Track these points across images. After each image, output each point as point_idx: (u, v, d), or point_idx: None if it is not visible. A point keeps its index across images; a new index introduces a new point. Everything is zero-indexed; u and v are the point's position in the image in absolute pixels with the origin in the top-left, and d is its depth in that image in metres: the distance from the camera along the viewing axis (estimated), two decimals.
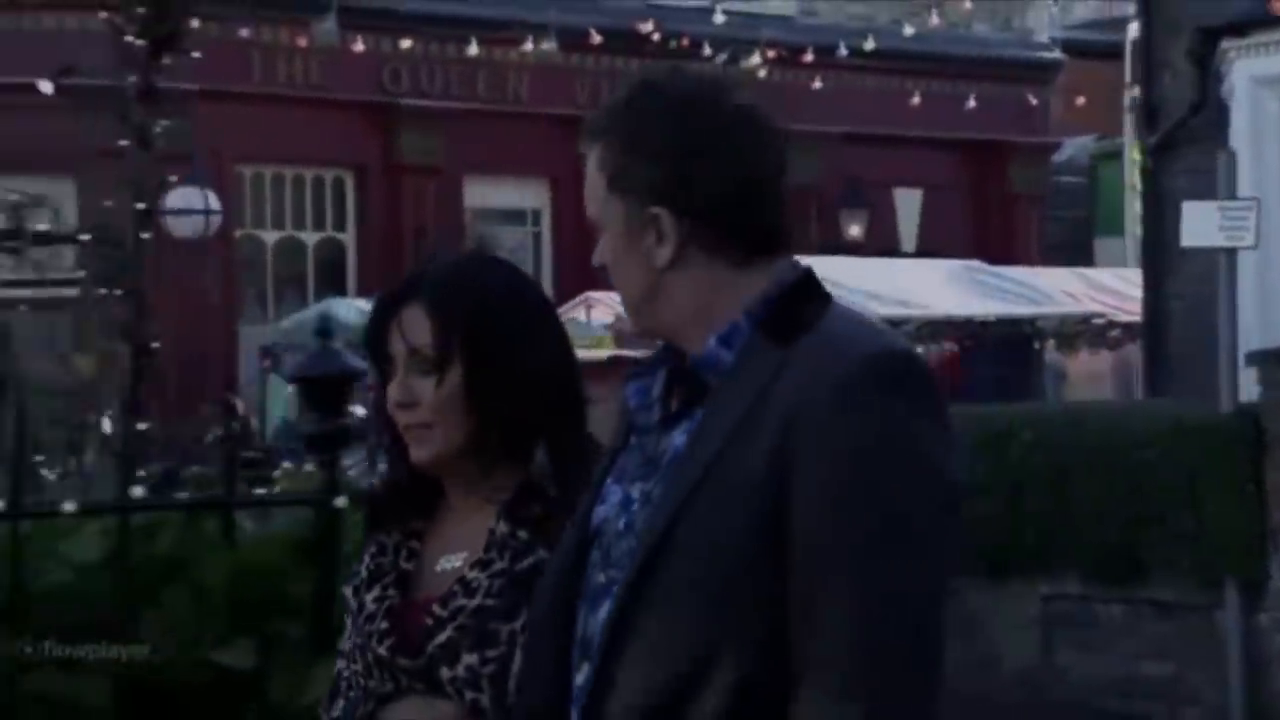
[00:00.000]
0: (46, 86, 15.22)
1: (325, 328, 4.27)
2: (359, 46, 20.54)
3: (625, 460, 2.53)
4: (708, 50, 21.76)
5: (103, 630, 3.67)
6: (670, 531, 2.40)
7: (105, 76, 8.99)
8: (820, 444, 2.36)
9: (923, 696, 2.34)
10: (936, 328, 17.72)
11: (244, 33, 21.16)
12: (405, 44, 21.74)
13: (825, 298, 2.50)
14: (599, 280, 18.78)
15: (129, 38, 7.13)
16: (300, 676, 3.74)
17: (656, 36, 21.12)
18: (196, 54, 7.85)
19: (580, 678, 2.46)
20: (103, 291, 7.70)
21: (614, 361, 16.86)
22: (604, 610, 2.44)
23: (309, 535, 3.97)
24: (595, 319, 20.81)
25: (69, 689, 3.62)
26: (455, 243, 22.78)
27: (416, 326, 2.77)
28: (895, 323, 16.92)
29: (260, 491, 4.79)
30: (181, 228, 21.72)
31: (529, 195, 25.36)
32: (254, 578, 3.87)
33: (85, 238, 7.43)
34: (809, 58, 22.85)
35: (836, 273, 17.70)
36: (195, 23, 17.48)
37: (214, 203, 21.64)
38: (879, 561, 2.33)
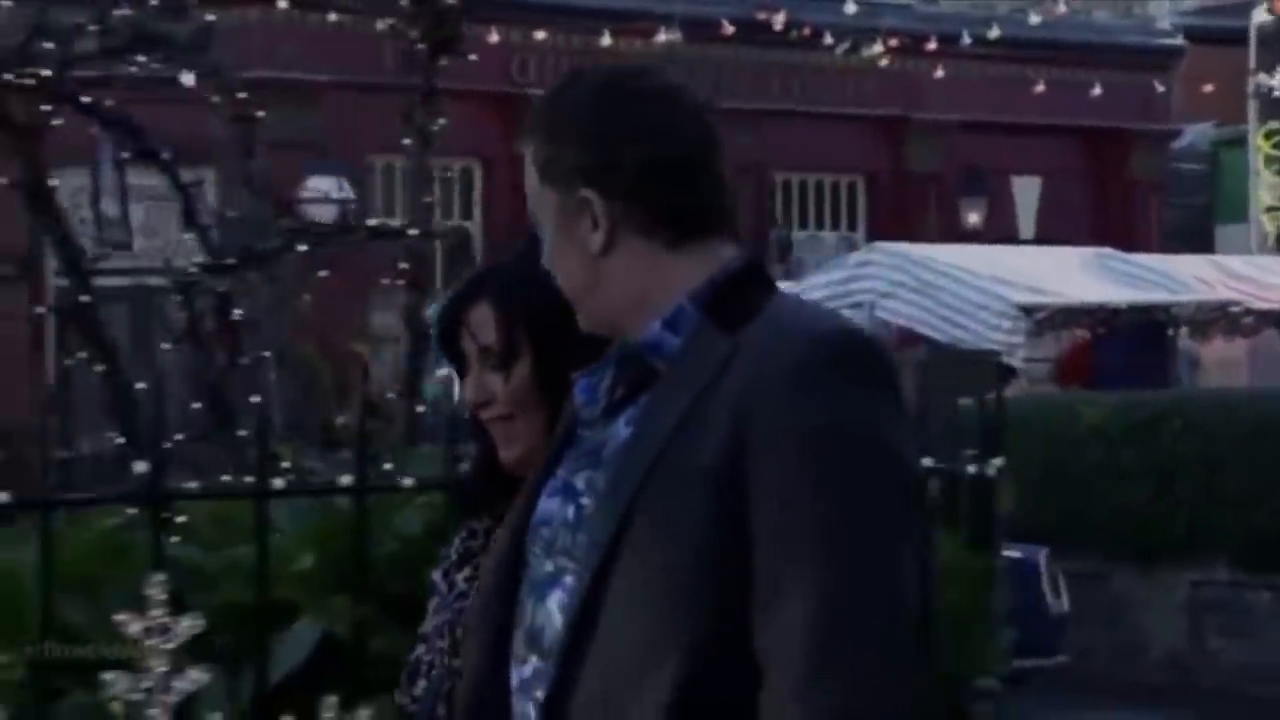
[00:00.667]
0: (188, 79, 15.47)
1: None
2: (493, 38, 20.74)
3: (568, 453, 2.50)
4: (829, 40, 21.86)
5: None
6: (626, 523, 2.37)
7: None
8: (775, 430, 2.32)
9: (892, 686, 2.27)
10: (1070, 315, 17.72)
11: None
12: (539, 36, 21.93)
13: (771, 284, 2.47)
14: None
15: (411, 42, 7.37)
16: None
17: (780, 26, 21.22)
18: (473, 56, 8.07)
19: (528, 670, 2.44)
20: (399, 283, 7.93)
21: None
22: (554, 600, 2.42)
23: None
24: None
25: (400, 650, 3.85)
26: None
27: (484, 324, 2.81)
28: (1028, 309, 16.92)
29: None
30: (319, 216, 22.06)
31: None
32: None
33: (413, 232, 7.62)
34: (932, 46, 22.89)
35: (965, 259, 17.70)
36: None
37: (349, 192, 21.95)
38: (839, 550, 2.29)
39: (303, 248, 7.02)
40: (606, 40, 20.79)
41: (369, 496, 3.92)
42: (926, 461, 4.92)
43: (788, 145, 24.88)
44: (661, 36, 20.69)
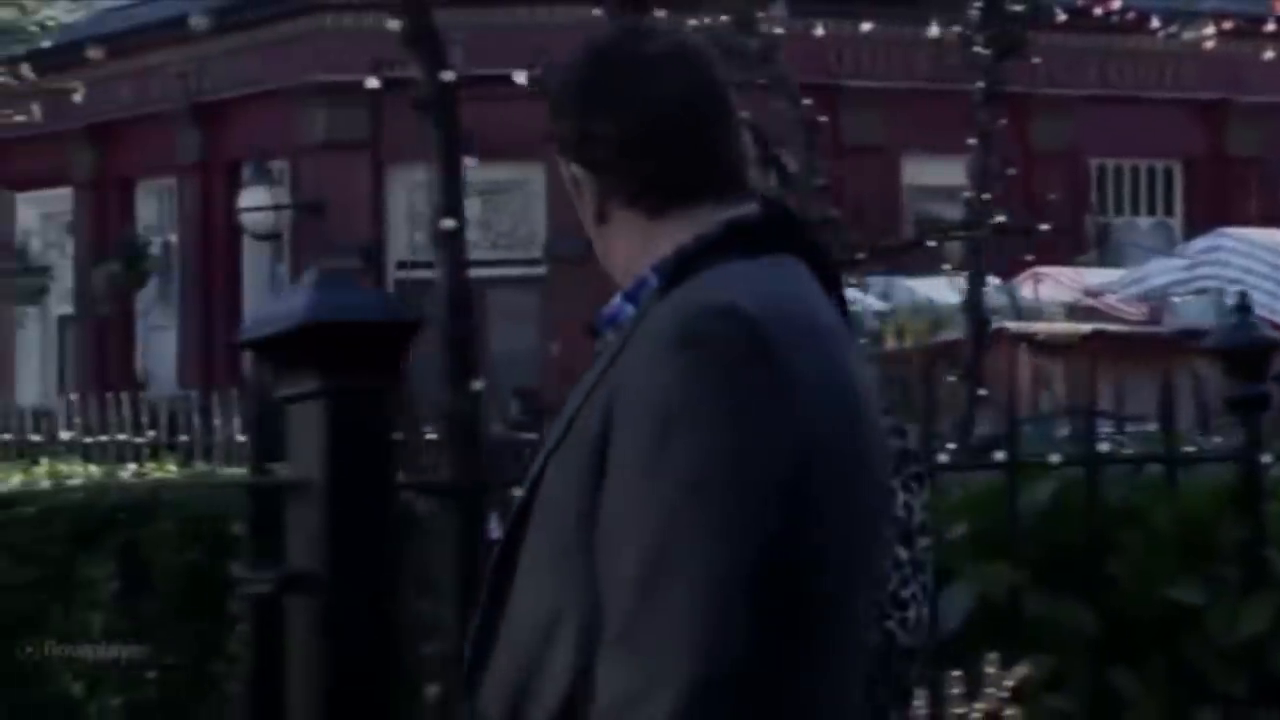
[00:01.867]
0: (520, 78, 15.90)
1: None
2: (819, 31, 20.95)
3: None
4: (1155, 23, 21.70)
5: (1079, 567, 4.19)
6: (534, 488, 2.39)
7: None
8: (624, 401, 2.30)
9: (681, 672, 2.18)
10: None
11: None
12: (865, 27, 22.10)
13: (742, 249, 2.39)
14: (1041, 254, 19.01)
15: (977, 47, 7.68)
16: (1234, 613, 4.26)
17: (1099, 11, 21.11)
18: (1036, 60, 8.37)
19: None
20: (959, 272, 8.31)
21: (1094, 336, 16.84)
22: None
23: (1235, 486, 4.48)
24: (1044, 294, 20.84)
25: (1051, 613, 4.17)
26: (893, 219, 23.26)
27: None
28: None
29: (1192, 449, 5.30)
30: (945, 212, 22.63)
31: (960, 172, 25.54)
32: (1195, 524, 4.37)
33: (1045, 228, 8.00)
34: (1270, 27, 22.62)
35: None
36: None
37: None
38: (657, 526, 2.23)
39: (931, 243, 7.38)
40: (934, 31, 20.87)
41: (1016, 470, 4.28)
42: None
43: (1105, 131, 24.77)
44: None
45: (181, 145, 24.48)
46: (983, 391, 7.99)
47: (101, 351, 25.13)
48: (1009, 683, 3.73)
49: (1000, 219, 8.33)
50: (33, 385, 25.98)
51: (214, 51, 23.69)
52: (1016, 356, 14.62)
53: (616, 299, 2.43)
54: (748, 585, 2.22)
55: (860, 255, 7.15)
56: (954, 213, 27.58)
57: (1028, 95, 24.26)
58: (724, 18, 7.04)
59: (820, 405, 2.31)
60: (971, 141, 7.99)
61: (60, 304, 26.51)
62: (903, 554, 2.96)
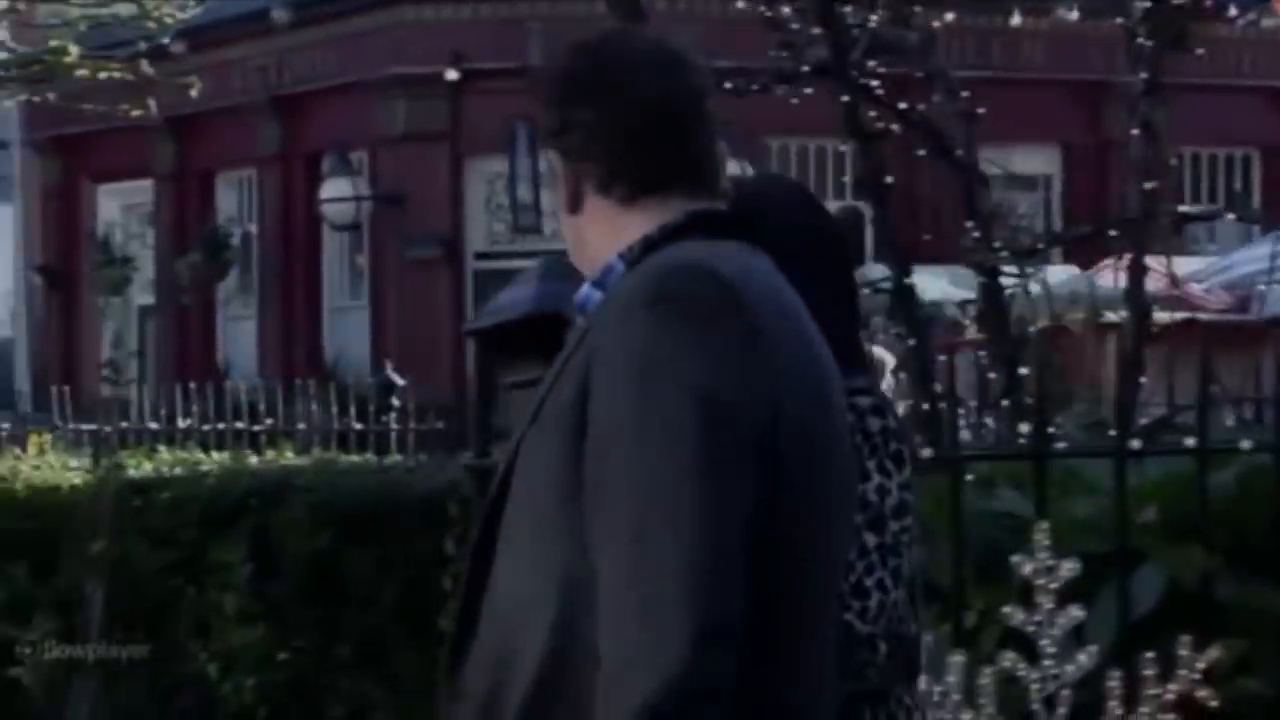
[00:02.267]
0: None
1: None
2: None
3: None
4: (1233, 11, 21.67)
5: None
6: (511, 465, 2.43)
7: None
8: (599, 361, 2.33)
9: (666, 624, 2.21)
10: None
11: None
12: (949, 17, 22.16)
13: (708, 233, 2.45)
14: (1112, 245, 19.04)
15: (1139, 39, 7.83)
16: None
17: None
18: (1201, 51, 8.51)
19: None
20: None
21: (1187, 324, 16.77)
22: None
23: None
24: (1124, 284, 20.73)
25: (1241, 597, 4.25)
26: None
27: None
28: None
29: None
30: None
31: (1040, 161, 25.55)
32: None
33: (1231, 217, 8.13)
34: None
35: None
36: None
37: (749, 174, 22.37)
38: (644, 485, 2.26)
39: (1113, 232, 7.54)
40: (1017, 20, 20.90)
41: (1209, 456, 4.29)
42: None
43: (1183, 119, 24.70)
44: (1062, 13, 20.72)
45: (262, 137, 24.69)
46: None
47: (183, 341, 25.38)
48: (1201, 665, 3.76)
49: (1183, 209, 8.38)
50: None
51: (294, 45, 23.89)
52: (1104, 346, 14.69)
53: (585, 287, 2.48)
54: (737, 536, 2.25)
55: (1039, 245, 7.35)
56: (1030, 202, 27.61)
57: (1102, 84, 24.34)
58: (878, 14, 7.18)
59: (790, 366, 2.35)
60: (1134, 132, 8.10)
61: (142, 294, 26.76)
62: (870, 540, 2.92)
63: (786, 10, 7.31)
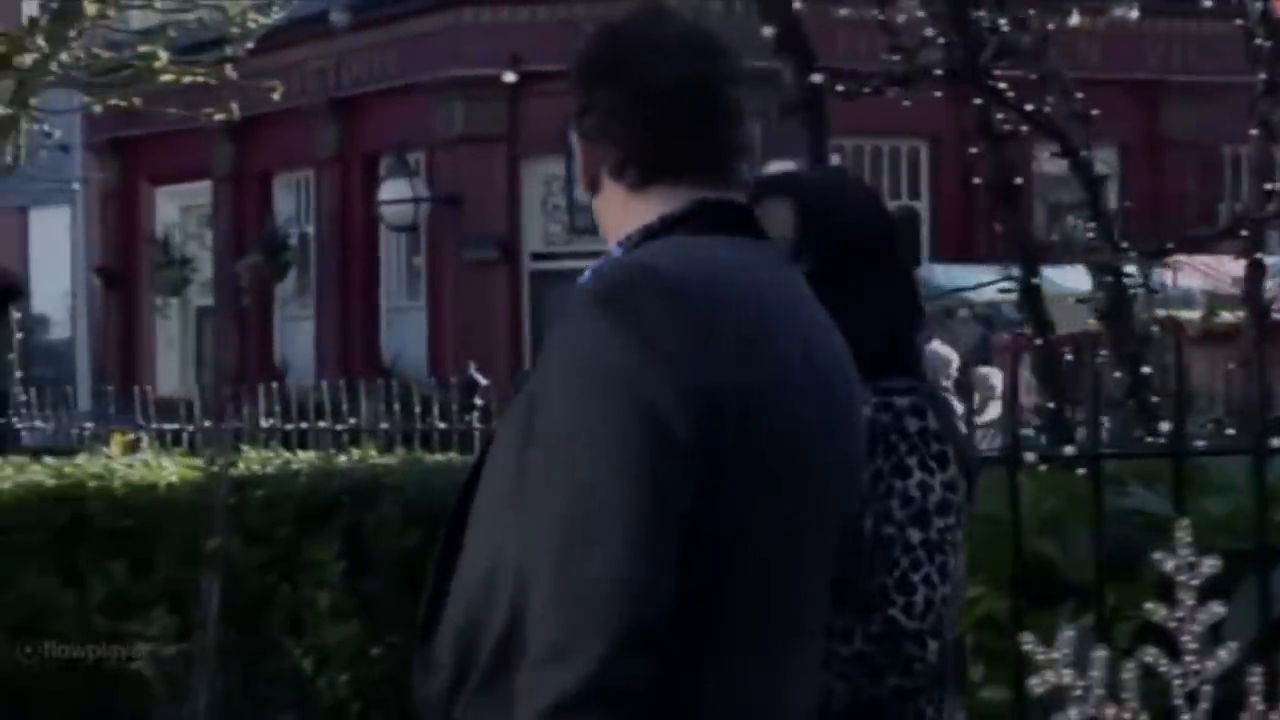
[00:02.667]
0: None
1: None
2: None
3: None
4: None
5: None
6: (486, 448, 2.51)
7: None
8: (539, 361, 2.39)
9: (619, 623, 2.23)
10: None
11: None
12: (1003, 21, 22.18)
13: (707, 227, 2.44)
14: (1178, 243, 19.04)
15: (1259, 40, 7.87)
16: None
17: None
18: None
19: None
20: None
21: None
22: None
23: None
24: (1181, 283, 20.73)
25: None
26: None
27: (778, 217, 2.93)
28: None
29: None
30: None
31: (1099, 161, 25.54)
32: None
33: None
34: None
35: None
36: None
37: None
38: (571, 490, 2.29)
39: (1244, 232, 7.59)
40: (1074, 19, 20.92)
41: None
42: None
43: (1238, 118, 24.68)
44: (1118, 12, 20.71)
45: (320, 139, 24.82)
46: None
47: (242, 342, 25.52)
48: None
49: None
50: (172, 375, 26.40)
51: (353, 47, 24.00)
52: (1215, 347, 14.69)
53: (586, 272, 2.48)
54: (665, 540, 2.26)
55: (1169, 244, 7.41)
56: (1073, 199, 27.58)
57: (1159, 82, 24.32)
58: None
59: (755, 363, 2.34)
60: (1253, 132, 8.13)
61: (200, 295, 26.92)
62: (914, 536, 2.90)
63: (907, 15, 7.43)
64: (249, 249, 24.99)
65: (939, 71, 7.21)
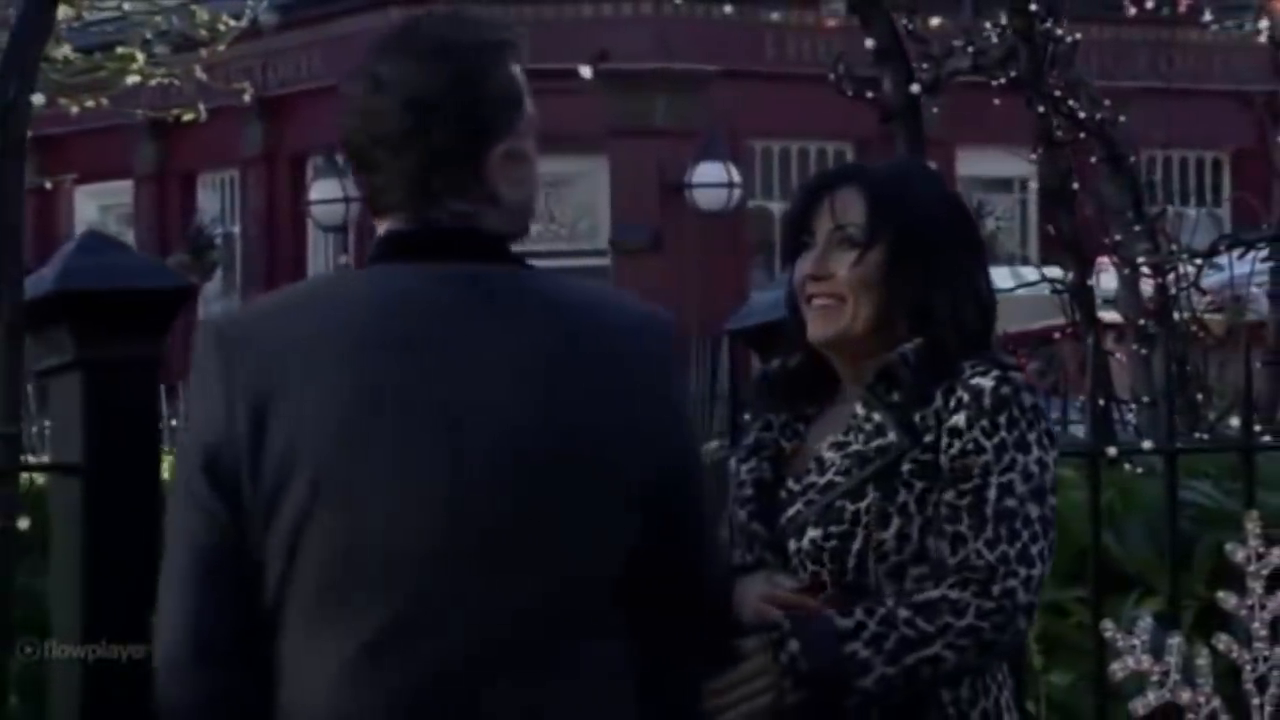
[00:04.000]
0: (585, 71, 16.29)
1: None
2: None
3: None
4: (1207, 16, 21.95)
5: None
6: None
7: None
8: None
9: (161, 644, 2.48)
10: None
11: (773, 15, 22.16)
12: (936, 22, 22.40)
13: (377, 260, 2.52)
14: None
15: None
16: None
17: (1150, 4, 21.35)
18: None
19: None
20: None
21: (1260, 325, 17.05)
22: None
23: None
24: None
25: None
26: None
27: (850, 205, 2.94)
28: None
29: None
30: (708, 201, 22.76)
31: (1012, 165, 25.80)
32: None
33: None
34: None
35: None
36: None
37: (735, 177, 22.61)
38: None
39: None
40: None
41: None
42: None
43: (1157, 122, 24.98)
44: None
45: (246, 138, 24.77)
46: None
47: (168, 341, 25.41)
48: None
49: None
50: None
51: (280, 47, 23.98)
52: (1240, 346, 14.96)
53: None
54: (187, 575, 2.42)
55: (1219, 247, 7.63)
56: (1004, 204, 27.71)
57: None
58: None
59: (317, 395, 2.38)
60: None
61: None
62: (1032, 511, 2.86)
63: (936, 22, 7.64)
64: (172, 249, 24.88)
65: (1000, 81, 7.39)
